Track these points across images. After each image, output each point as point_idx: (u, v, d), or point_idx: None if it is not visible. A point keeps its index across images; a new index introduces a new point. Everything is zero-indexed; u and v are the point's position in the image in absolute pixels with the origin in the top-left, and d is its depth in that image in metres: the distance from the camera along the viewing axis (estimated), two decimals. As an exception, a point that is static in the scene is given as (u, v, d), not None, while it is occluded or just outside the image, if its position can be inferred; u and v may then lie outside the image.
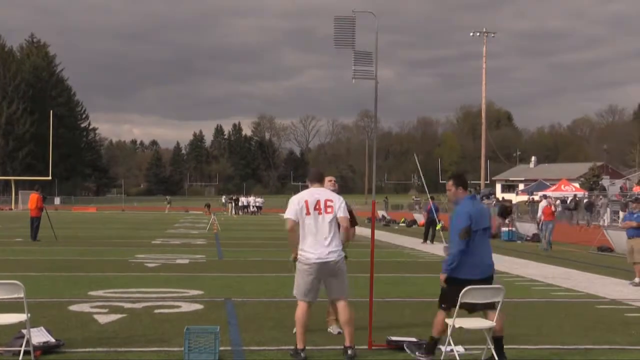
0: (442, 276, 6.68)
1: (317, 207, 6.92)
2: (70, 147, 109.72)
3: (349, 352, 6.79)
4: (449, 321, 6.59)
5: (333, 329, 8.10)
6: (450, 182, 6.93)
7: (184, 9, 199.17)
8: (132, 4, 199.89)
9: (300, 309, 6.92)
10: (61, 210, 64.28)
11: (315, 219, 6.89)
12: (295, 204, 6.97)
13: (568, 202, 45.31)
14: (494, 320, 6.57)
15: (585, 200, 44.17)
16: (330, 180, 7.97)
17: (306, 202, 6.94)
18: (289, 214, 7.00)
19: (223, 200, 70.04)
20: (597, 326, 8.96)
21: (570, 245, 24.61)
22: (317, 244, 6.85)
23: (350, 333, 6.86)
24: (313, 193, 7.04)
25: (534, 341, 7.84)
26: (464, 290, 6.48)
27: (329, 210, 6.93)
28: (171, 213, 62.91)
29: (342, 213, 7.01)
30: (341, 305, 6.96)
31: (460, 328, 6.59)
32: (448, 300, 6.61)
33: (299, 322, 6.88)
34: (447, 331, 6.57)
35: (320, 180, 7.22)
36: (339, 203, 7.02)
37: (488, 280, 6.74)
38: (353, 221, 7.93)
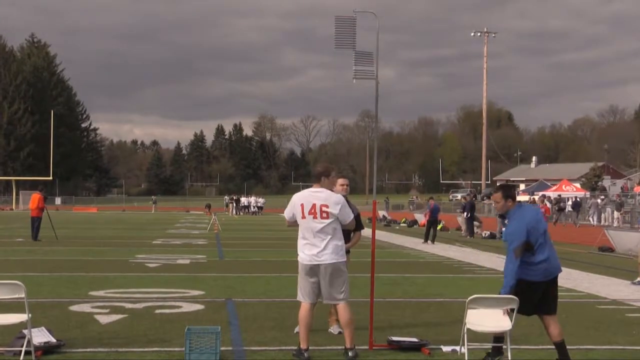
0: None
1: (312, 211, 6.82)
2: (71, 147, 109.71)
3: (350, 353, 6.79)
4: (469, 323, 6.54)
5: (334, 329, 8.10)
6: (499, 194, 6.61)
7: (184, 9, 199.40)
8: (133, 4, 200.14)
9: (303, 309, 6.93)
10: (62, 210, 64.28)
11: (309, 223, 6.83)
12: (292, 205, 6.98)
13: (554, 203, 45.47)
14: (550, 327, 6.50)
15: (571, 201, 44.34)
16: (343, 185, 7.76)
17: (301, 205, 6.87)
18: (285, 213, 7.15)
19: (225, 201, 70.06)
20: (598, 326, 8.96)
21: (571, 246, 24.59)
22: (310, 247, 6.84)
23: (350, 335, 6.85)
24: (310, 195, 6.93)
25: (534, 341, 7.83)
26: (470, 298, 6.48)
27: (324, 215, 6.80)
28: (157, 213, 63.26)
29: (345, 218, 6.89)
30: (340, 308, 6.94)
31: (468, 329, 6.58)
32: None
33: (301, 322, 6.88)
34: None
35: (319, 180, 7.01)
36: (337, 209, 6.81)
37: (555, 281, 6.63)
38: (359, 225, 7.89)
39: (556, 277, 6.66)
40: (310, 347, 6.90)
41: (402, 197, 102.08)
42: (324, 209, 6.82)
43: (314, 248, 6.81)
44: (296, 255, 7.01)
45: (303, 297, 6.96)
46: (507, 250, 6.44)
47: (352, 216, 7.05)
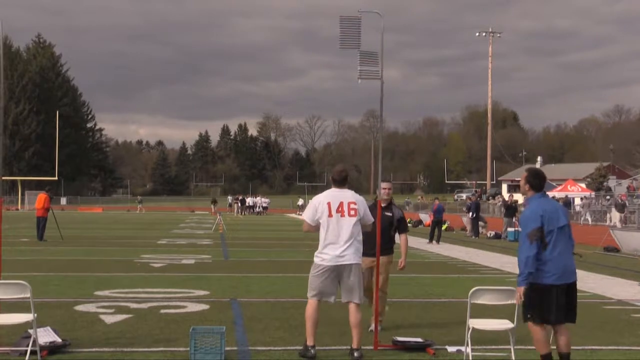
0: (520, 289, 6.08)
1: (340, 209, 6.89)
2: (77, 147, 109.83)
3: (355, 354, 6.81)
4: (472, 322, 6.53)
5: None
6: (525, 175, 6.33)
7: (189, 9, 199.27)
8: (138, 4, 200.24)
9: (310, 306, 6.94)
10: (67, 210, 64.44)
11: (337, 221, 6.88)
12: (314, 206, 6.99)
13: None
14: (559, 336, 6.17)
15: (561, 200, 44.37)
16: (385, 189, 7.86)
17: (329, 204, 6.92)
18: (306, 216, 7.08)
19: (229, 201, 70.09)
20: (604, 327, 8.95)
21: (576, 246, 24.54)
22: (335, 247, 6.86)
23: (358, 335, 6.87)
24: (336, 194, 7.01)
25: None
26: (472, 291, 6.51)
27: (352, 213, 6.90)
28: (142, 213, 63.54)
29: (368, 218, 7.10)
30: (351, 308, 6.95)
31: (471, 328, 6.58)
32: (534, 309, 6.08)
33: (308, 319, 6.89)
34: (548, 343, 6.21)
35: (343, 182, 7.11)
36: (362, 208, 7.01)
37: (572, 286, 6.17)
38: (404, 227, 8.38)
39: (574, 284, 6.20)
40: (316, 347, 6.90)
41: (407, 197, 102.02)
42: (352, 206, 6.94)
43: (338, 248, 6.85)
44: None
45: (314, 294, 6.95)
46: (521, 236, 6.16)
47: (372, 219, 7.22)
